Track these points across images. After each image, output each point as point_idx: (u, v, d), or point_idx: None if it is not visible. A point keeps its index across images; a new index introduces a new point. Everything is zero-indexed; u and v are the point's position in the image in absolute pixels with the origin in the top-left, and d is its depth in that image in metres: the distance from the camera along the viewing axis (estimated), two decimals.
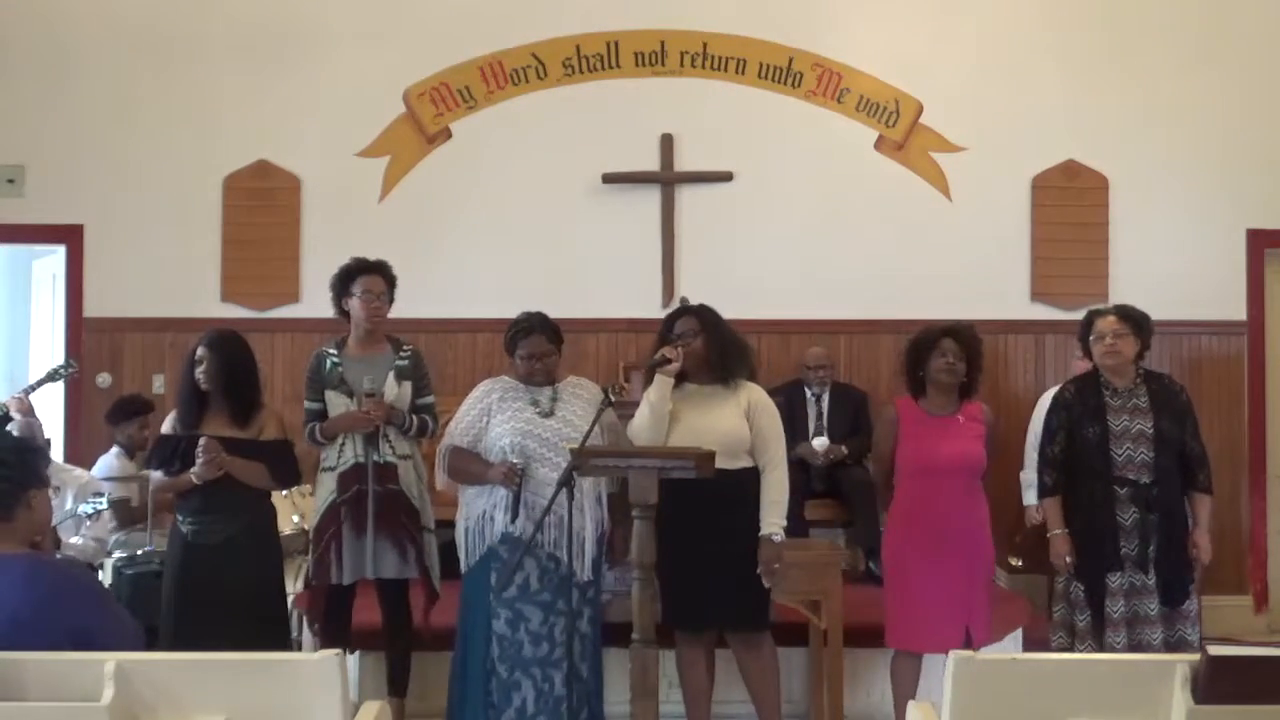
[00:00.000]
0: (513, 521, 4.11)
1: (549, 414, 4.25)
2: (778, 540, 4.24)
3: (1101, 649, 4.28)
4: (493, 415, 4.27)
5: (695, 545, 4.20)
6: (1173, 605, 4.32)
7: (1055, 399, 4.60)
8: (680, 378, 4.34)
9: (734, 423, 4.29)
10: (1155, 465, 4.32)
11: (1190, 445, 4.42)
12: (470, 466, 4.25)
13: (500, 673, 4.14)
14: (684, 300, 5.65)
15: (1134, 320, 4.46)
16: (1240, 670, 2.73)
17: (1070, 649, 4.37)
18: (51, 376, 5.95)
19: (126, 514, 5.85)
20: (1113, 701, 2.82)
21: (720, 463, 4.03)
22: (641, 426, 4.30)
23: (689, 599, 4.26)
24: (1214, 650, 2.75)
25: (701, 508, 4.15)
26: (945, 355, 4.47)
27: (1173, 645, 4.26)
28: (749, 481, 4.31)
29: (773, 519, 4.24)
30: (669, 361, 4.28)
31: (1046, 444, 4.52)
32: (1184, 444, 4.40)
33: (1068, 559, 4.40)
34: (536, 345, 4.30)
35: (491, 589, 4.16)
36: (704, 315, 4.44)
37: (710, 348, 4.36)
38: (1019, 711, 2.84)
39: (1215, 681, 2.70)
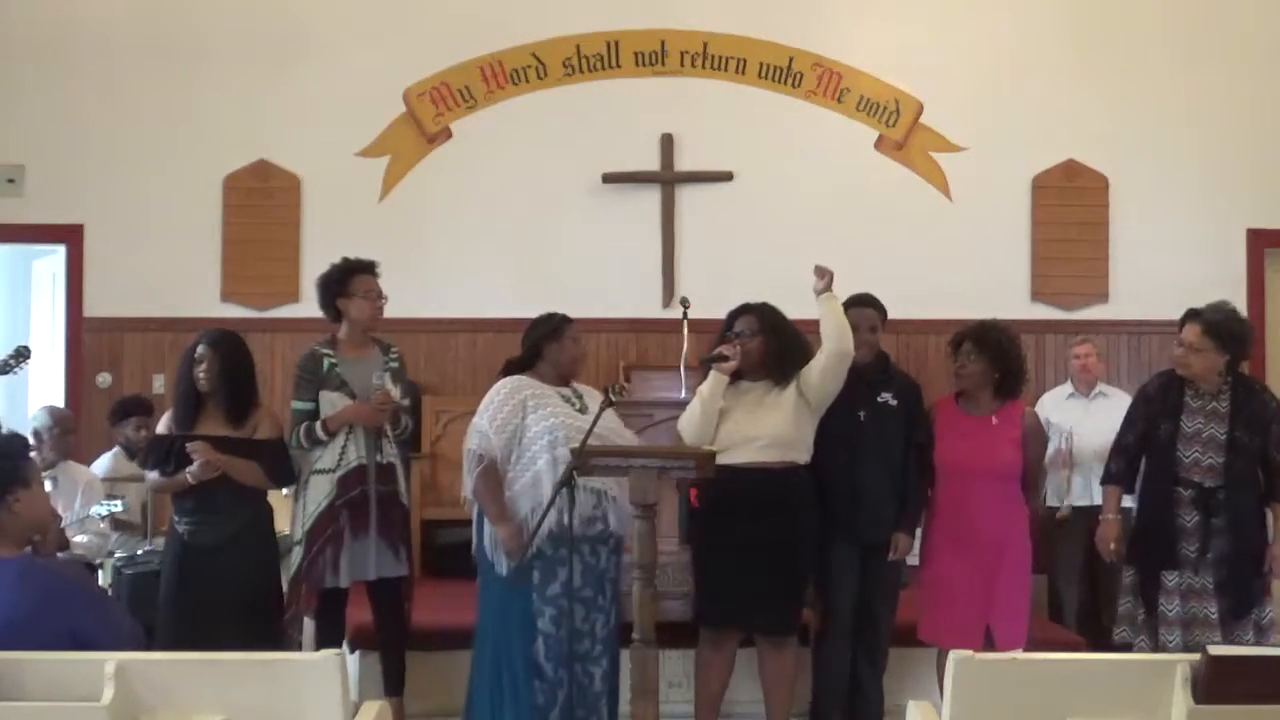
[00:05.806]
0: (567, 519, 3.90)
1: (584, 410, 4.22)
2: None
3: (1155, 646, 4.22)
4: (528, 413, 4.18)
5: (735, 543, 4.18)
6: (1235, 615, 4.21)
7: (1140, 390, 4.57)
8: (735, 376, 4.30)
9: (783, 419, 4.25)
10: (1224, 471, 4.24)
11: (1273, 455, 4.30)
12: (492, 499, 4.14)
13: (546, 671, 4.09)
14: (684, 300, 5.63)
15: (1219, 336, 4.29)
16: (1240, 670, 2.73)
17: (1131, 643, 4.33)
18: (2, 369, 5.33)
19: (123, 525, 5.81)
20: (1113, 701, 2.82)
21: (765, 456, 4.02)
22: (690, 421, 4.27)
23: (723, 596, 4.23)
24: (1214, 650, 2.76)
25: (746, 507, 4.14)
26: (957, 358, 4.49)
27: None
28: (794, 482, 4.27)
29: None
30: (725, 359, 4.25)
31: (1123, 432, 4.50)
32: (1265, 453, 4.30)
33: (1112, 545, 4.41)
34: (577, 331, 4.35)
35: (535, 588, 4.10)
36: (765, 315, 4.39)
37: (768, 348, 4.32)
38: (1019, 711, 2.84)
39: (1215, 681, 2.69)
